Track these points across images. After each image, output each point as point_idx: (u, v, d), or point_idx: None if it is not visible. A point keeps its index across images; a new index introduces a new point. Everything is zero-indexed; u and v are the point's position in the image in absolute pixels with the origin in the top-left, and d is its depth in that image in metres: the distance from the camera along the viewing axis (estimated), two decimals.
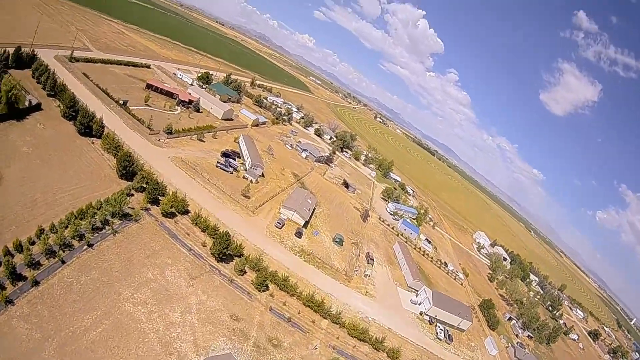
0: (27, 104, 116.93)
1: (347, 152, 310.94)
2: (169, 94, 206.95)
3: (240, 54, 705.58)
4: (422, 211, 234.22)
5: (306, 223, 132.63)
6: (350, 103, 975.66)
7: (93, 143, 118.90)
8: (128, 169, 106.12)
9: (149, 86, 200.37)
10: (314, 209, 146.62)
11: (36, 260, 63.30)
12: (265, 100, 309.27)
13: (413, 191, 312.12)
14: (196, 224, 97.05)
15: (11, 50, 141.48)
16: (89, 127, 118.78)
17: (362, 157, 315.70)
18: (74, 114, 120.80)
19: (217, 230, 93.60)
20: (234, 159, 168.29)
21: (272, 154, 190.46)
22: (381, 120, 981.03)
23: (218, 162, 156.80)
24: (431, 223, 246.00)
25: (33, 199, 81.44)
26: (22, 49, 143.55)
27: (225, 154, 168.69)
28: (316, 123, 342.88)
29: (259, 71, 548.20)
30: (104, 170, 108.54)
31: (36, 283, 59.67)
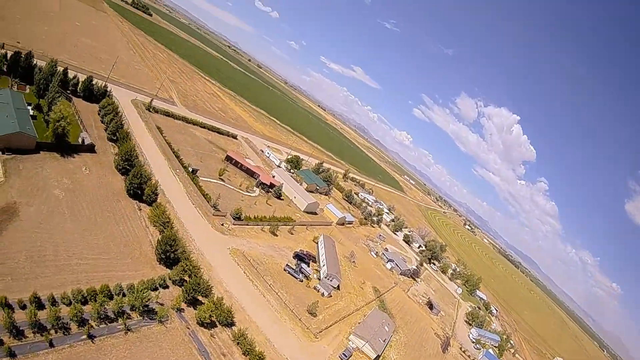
0: (79, 140, 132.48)
1: (434, 264, 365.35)
2: (250, 172, 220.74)
3: (337, 142, 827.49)
4: (505, 337, 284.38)
5: (378, 357, 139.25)
6: (441, 207, 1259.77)
7: (140, 210, 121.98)
8: (169, 254, 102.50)
9: (228, 158, 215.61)
10: (391, 336, 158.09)
11: (20, 328, 66.61)
12: (356, 196, 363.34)
13: (497, 310, 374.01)
14: (238, 343, 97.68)
15: (83, 77, 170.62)
16: (141, 189, 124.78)
17: (449, 271, 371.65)
18: (128, 167, 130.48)
19: None
20: (308, 264, 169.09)
21: (353, 262, 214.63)
22: (469, 228, 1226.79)
23: (287, 265, 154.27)
24: (512, 350, 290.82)
25: (43, 253, 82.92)
26: (95, 81, 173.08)
27: (298, 256, 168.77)
28: (406, 227, 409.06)
29: (353, 163, 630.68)
30: (141, 247, 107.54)
31: (11, 354, 62.65)
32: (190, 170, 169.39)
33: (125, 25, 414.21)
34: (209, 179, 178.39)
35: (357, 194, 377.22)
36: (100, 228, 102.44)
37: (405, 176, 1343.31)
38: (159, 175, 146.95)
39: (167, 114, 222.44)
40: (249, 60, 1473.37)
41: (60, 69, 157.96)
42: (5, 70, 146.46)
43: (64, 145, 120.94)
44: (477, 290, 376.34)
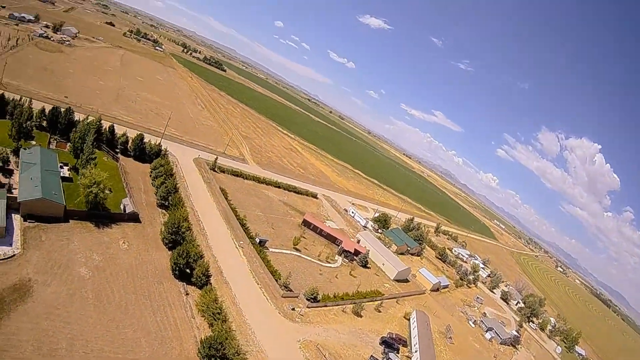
0: (121, 207, 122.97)
1: (533, 322, 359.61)
2: (331, 238, 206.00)
3: (426, 192, 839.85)
4: None
5: None
6: (532, 250, 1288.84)
7: (187, 294, 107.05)
8: (216, 357, 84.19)
9: (305, 223, 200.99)
10: None
11: None
12: (449, 253, 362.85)
13: None
14: None
15: (133, 134, 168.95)
16: (190, 268, 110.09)
17: (548, 327, 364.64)
18: (176, 241, 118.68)
19: None
20: (397, 349, 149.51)
21: (449, 338, 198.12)
22: (562, 270, 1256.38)
23: (372, 356, 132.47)
24: None
25: (54, 346, 74.38)
26: (147, 138, 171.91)
27: (385, 342, 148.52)
28: (503, 282, 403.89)
29: (443, 212, 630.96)
30: (182, 344, 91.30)
31: None
32: (258, 241, 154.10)
33: (196, 80, 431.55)
34: (280, 250, 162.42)
35: (450, 249, 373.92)
36: (131, 318, 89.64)
37: (495, 220, 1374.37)
38: (218, 248, 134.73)
39: (236, 173, 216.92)
40: (330, 112, 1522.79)
41: (106, 125, 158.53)
42: (45, 126, 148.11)
43: (99, 213, 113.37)
44: (576, 346, 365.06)
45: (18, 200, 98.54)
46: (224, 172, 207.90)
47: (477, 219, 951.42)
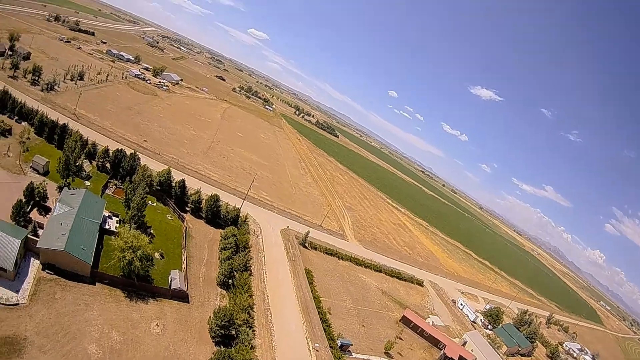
0: (169, 280, 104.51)
1: None
2: (433, 340, 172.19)
3: (536, 272, 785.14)
4: None
5: None
6: (635, 333, 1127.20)
7: None
8: None
9: (404, 320, 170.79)
10: None
11: None
12: (560, 349, 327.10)
13: None
14: None
15: (213, 192, 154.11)
16: None
17: None
18: (226, 337, 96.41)
19: None
20: None
21: None
22: None
23: None
24: None
25: None
26: (224, 201, 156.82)
27: None
28: None
29: (554, 298, 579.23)
30: None
31: None
32: (339, 344, 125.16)
33: (303, 143, 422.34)
34: (367, 357, 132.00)
35: (561, 344, 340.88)
36: None
37: (602, 302, 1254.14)
38: (283, 351, 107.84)
39: (330, 251, 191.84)
40: (443, 185, 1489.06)
41: (177, 179, 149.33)
42: (109, 168, 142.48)
43: (134, 283, 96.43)
44: None
45: (37, 246, 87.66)
46: (315, 248, 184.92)
47: (585, 302, 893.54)
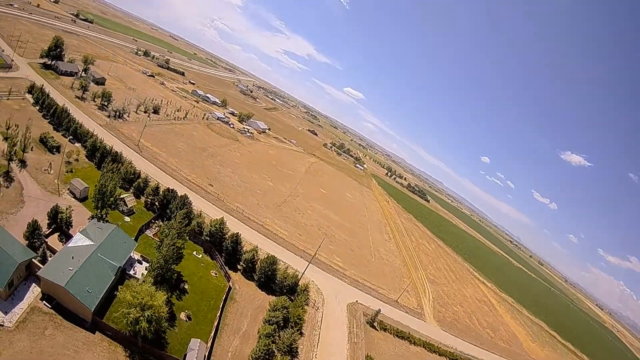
0: (187, 349, 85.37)
1: None
2: None
3: (616, 355, 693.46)
4: None
5: None
6: None
7: None
8: None
9: None
10: None
11: None
12: None
13: None
14: None
15: (274, 251, 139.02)
16: None
17: None
18: None
19: None
20: None
21: None
22: None
23: None
24: None
25: None
26: (290, 261, 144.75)
27: None
28: None
29: None
30: None
31: None
32: None
33: (392, 205, 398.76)
34: None
35: None
36: None
37: None
38: None
39: (401, 334, 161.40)
40: (530, 256, 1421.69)
41: (230, 233, 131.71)
42: (157, 207, 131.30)
43: (138, 344, 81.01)
44: None
45: (38, 273, 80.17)
46: (385, 329, 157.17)
47: None
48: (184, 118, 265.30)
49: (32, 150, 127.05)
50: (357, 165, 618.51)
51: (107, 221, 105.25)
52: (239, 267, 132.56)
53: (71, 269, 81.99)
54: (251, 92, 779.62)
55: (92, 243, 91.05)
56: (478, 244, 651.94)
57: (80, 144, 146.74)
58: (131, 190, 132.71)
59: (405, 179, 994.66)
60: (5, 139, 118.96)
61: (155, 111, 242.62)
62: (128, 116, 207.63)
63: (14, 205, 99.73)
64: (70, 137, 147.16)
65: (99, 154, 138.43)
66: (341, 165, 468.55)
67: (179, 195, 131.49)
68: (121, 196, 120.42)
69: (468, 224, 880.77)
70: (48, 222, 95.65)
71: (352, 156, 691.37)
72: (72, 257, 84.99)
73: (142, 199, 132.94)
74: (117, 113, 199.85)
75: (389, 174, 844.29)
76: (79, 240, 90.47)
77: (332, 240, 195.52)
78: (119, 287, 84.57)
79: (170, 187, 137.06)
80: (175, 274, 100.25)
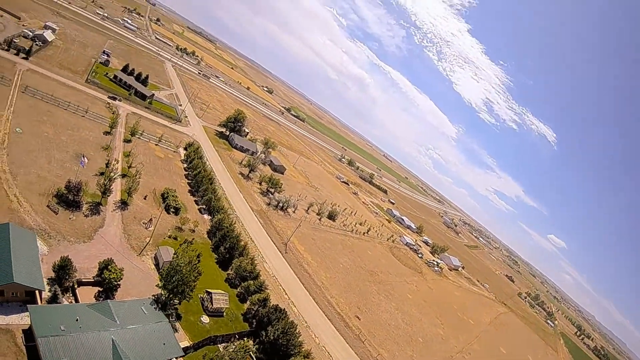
0: None
1: None
2: None
3: None
4: None
5: None
6: None
7: None
8: None
9: None
10: None
11: None
12: None
13: None
14: None
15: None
16: None
17: None
18: None
19: None
20: None
21: None
22: None
23: None
24: None
25: None
26: None
27: None
28: None
29: None
30: None
31: None
32: None
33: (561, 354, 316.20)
34: None
35: None
36: None
37: None
38: None
39: None
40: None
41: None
42: (255, 321, 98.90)
43: None
44: None
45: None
46: None
47: None
48: (364, 234, 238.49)
49: (145, 199, 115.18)
50: (548, 321, 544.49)
51: (172, 310, 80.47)
52: None
53: (63, 329, 62.41)
54: (455, 226, 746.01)
55: (112, 321, 68.12)
56: None
57: (209, 217, 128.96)
58: (239, 289, 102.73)
59: (592, 339, 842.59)
60: (101, 174, 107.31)
61: (331, 217, 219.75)
62: (293, 211, 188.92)
63: (78, 237, 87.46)
64: (203, 206, 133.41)
65: (220, 235, 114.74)
66: (531, 319, 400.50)
67: (289, 320, 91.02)
68: (210, 291, 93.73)
69: None
70: (97, 272, 78.53)
71: (545, 310, 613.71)
72: (77, 319, 65.23)
73: (246, 305, 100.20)
74: (281, 204, 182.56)
75: (578, 333, 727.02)
76: (100, 309, 69.69)
77: None
78: None
79: (282, 307, 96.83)
80: None
